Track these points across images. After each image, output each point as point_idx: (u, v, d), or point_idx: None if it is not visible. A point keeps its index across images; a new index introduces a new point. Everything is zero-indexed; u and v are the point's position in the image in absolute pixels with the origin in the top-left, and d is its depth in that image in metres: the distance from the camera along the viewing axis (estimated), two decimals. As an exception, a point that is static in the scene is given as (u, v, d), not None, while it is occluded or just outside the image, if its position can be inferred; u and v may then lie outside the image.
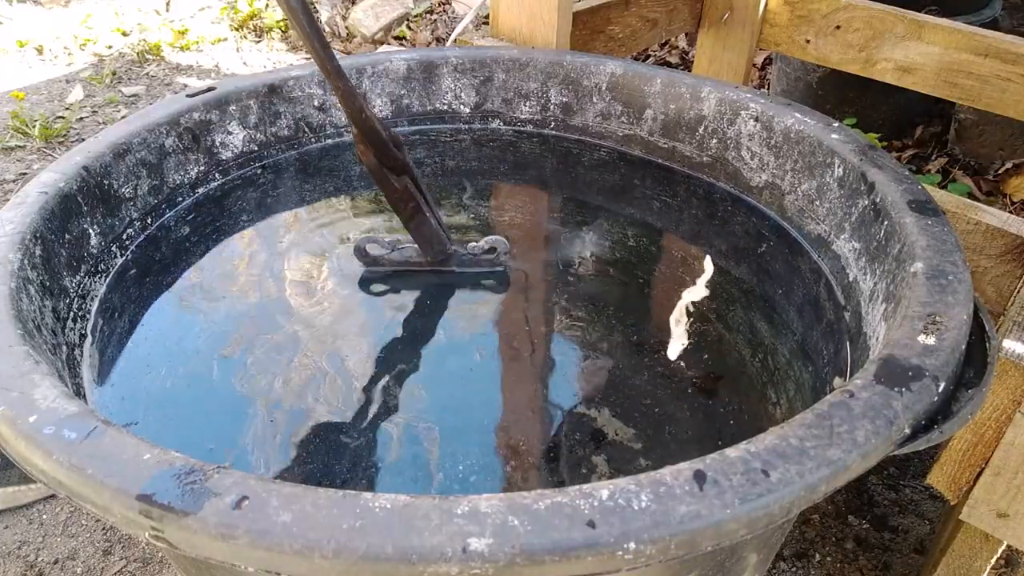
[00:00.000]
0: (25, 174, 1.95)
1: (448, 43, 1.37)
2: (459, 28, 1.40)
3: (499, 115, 1.01)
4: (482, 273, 0.78)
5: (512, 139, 1.01)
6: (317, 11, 2.79)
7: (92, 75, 2.48)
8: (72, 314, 0.66)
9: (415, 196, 0.73)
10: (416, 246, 0.76)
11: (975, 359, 0.52)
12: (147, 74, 2.54)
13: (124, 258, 0.75)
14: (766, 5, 1.41)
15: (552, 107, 0.99)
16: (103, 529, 1.08)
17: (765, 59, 2.36)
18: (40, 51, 2.65)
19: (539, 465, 0.59)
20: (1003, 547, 0.80)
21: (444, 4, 2.94)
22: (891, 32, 1.26)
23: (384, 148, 0.70)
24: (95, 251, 0.72)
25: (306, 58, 2.70)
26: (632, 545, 0.37)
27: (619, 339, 0.71)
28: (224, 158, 0.88)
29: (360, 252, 0.77)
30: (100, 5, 2.97)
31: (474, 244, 0.77)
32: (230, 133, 0.88)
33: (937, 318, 0.52)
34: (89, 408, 0.45)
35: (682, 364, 0.68)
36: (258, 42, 2.81)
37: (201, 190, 0.86)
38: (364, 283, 0.77)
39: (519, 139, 1.00)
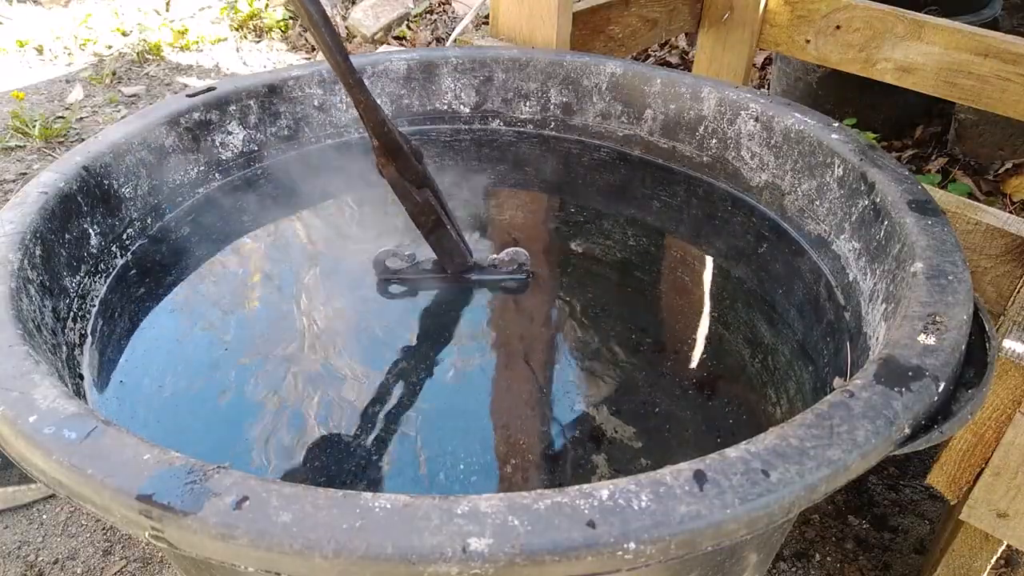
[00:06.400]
0: (25, 174, 1.95)
1: (448, 43, 1.37)
2: (459, 28, 1.40)
3: (499, 115, 1.01)
4: (499, 280, 0.78)
5: (512, 139, 1.01)
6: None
7: (92, 75, 2.48)
8: (72, 314, 0.66)
9: (436, 209, 0.72)
10: (436, 259, 0.76)
11: (975, 359, 0.52)
12: (147, 74, 2.54)
13: (124, 258, 0.75)
14: (766, 5, 1.41)
15: (552, 107, 0.99)
16: (103, 529, 1.08)
17: (765, 59, 2.36)
18: (40, 51, 2.65)
19: (539, 465, 0.59)
20: (1003, 547, 0.80)
21: (444, 4, 2.94)
22: (891, 32, 1.26)
23: (406, 161, 0.69)
24: (95, 251, 0.72)
25: (306, 58, 2.70)
26: (632, 545, 0.37)
27: (619, 339, 0.71)
28: (224, 158, 0.88)
29: (379, 265, 0.76)
30: (100, 5, 2.97)
31: (495, 256, 0.76)
32: (230, 133, 0.88)
33: (937, 318, 0.52)
34: (89, 408, 0.45)
35: (682, 364, 0.68)
36: (258, 42, 2.81)
37: (201, 190, 0.86)
38: (377, 282, 0.77)
39: (519, 139, 1.00)
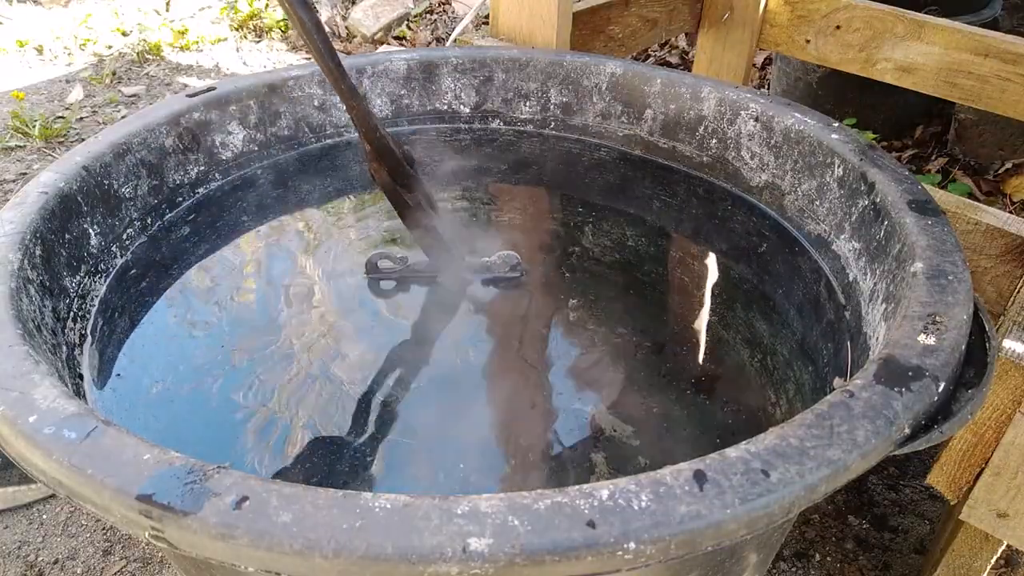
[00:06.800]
0: (25, 174, 1.95)
1: (448, 43, 1.37)
2: (459, 28, 1.40)
3: (499, 115, 1.01)
4: (492, 281, 0.78)
5: (512, 139, 1.00)
6: (317, 12, 2.78)
7: (92, 75, 2.48)
8: (72, 314, 0.66)
9: (428, 213, 0.73)
10: (428, 261, 0.76)
11: (975, 359, 0.52)
12: (147, 74, 2.54)
13: (124, 258, 0.75)
14: (766, 5, 1.41)
15: (552, 107, 0.99)
16: (103, 529, 1.08)
17: (765, 59, 2.36)
18: (40, 51, 2.65)
19: (539, 465, 0.59)
20: (1003, 547, 0.80)
21: (444, 4, 2.94)
22: (891, 32, 1.26)
23: (398, 166, 0.70)
24: (95, 251, 0.72)
25: (306, 58, 2.70)
26: (632, 545, 0.37)
27: (619, 339, 0.71)
28: (224, 158, 0.88)
29: (372, 268, 0.76)
30: (100, 5, 2.98)
31: (486, 259, 0.77)
32: (230, 133, 0.88)
33: (937, 318, 0.52)
34: (89, 408, 0.45)
35: (682, 364, 0.68)
36: (258, 42, 2.81)
37: (201, 190, 0.86)
38: (371, 284, 0.77)
39: (519, 139, 1.00)
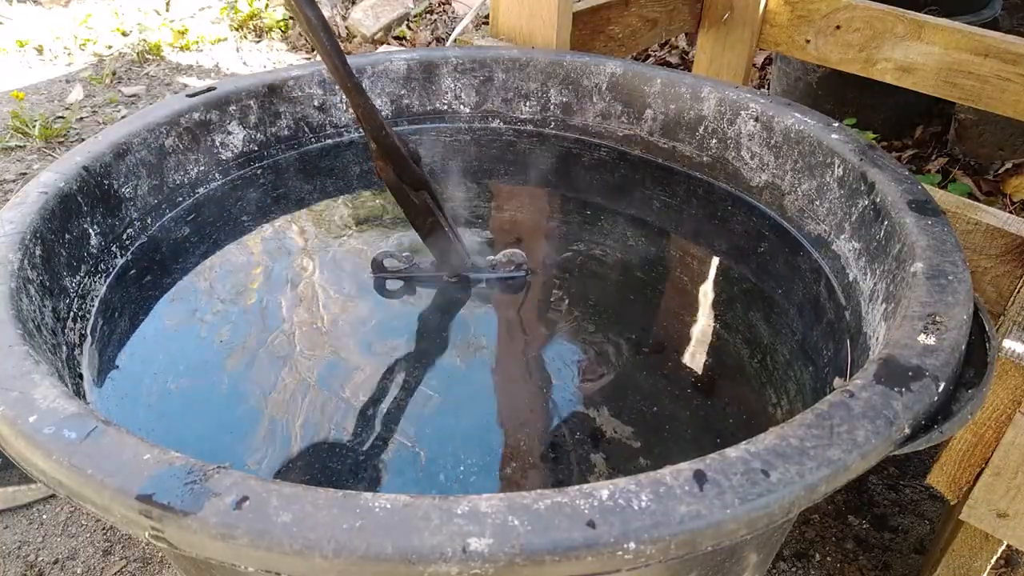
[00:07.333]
0: (25, 174, 1.95)
1: (448, 43, 1.37)
2: (459, 28, 1.40)
3: (499, 115, 1.01)
4: (495, 279, 0.78)
5: (512, 139, 1.00)
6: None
7: (92, 75, 2.48)
8: (72, 314, 0.66)
9: (433, 211, 0.73)
10: (433, 260, 0.76)
11: (975, 359, 0.52)
12: (147, 74, 2.54)
13: (124, 258, 0.75)
14: (766, 5, 1.41)
15: (552, 107, 0.99)
16: (103, 529, 1.08)
17: (765, 59, 2.36)
18: (40, 51, 2.65)
19: (539, 465, 0.59)
20: (1003, 547, 0.80)
21: (444, 4, 2.94)
22: (891, 32, 1.26)
23: (404, 164, 0.70)
24: (95, 251, 0.72)
25: (306, 58, 2.70)
26: (632, 545, 0.37)
27: (619, 339, 0.71)
28: (224, 158, 0.88)
29: (377, 266, 0.76)
30: (100, 5, 2.98)
31: (492, 258, 0.77)
32: (230, 133, 0.88)
33: (937, 318, 0.52)
34: (89, 408, 0.45)
35: (682, 364, 0.68)
36: (258, 42, 2.81)
37: (201, 190, 0.86)
38: (376, 283, 0.77)
39: (519, 139, 1.00)
